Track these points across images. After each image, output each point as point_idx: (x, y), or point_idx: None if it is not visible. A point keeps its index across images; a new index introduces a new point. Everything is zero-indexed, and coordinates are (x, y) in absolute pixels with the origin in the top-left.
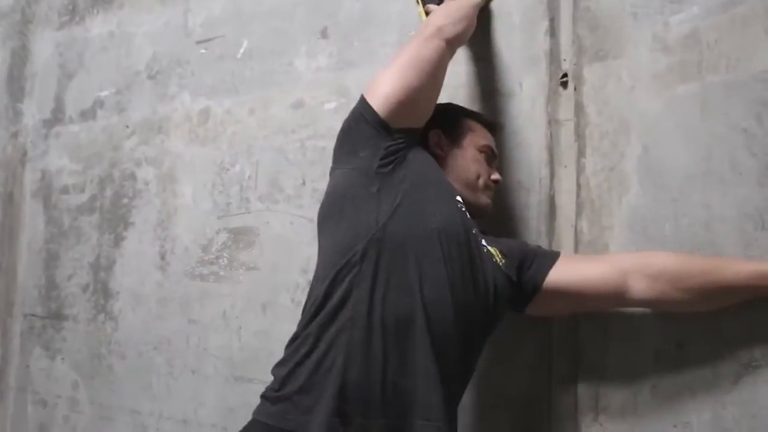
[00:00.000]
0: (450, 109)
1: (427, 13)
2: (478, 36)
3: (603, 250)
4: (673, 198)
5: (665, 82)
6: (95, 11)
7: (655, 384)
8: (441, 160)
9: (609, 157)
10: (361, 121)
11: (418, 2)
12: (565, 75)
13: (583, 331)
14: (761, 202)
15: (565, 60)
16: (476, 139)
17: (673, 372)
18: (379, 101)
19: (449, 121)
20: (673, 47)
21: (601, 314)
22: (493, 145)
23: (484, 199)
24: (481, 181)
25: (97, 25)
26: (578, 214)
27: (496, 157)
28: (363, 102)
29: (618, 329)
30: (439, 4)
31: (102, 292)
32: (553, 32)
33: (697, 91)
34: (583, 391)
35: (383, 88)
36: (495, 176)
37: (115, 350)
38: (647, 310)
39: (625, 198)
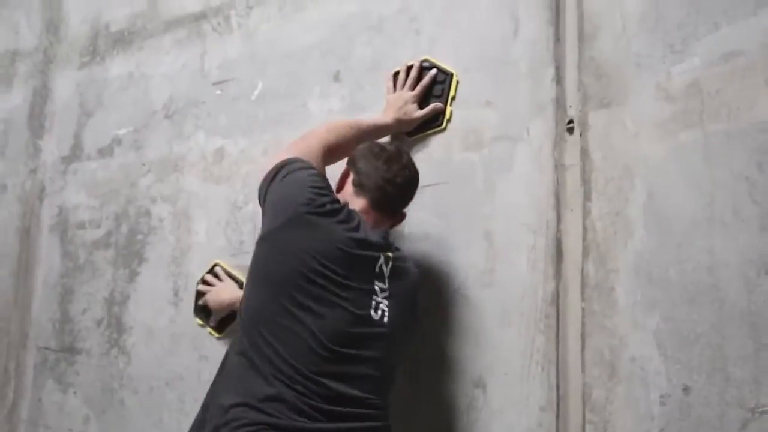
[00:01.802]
0: None
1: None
2: (487, 82)
3: (609, 293)
4: (677, 243)
5: (668, 129)
6: (115, 52)
7: (662, 428)
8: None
9: (614, 202)
10: None
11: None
12: (571, 121)
13: (590, 373)
14: (764, 248)
15: (570, 107)
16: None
17: (679, 416)
18: None
19: None
20: (676, 96)
21: (608, 357)
22: None
23: None
24: None
25: (117, 66)
26: (585, 256)
27: None
28: None
29: (625, 372)
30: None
31: (115, 326)
32: (559, 80)
33: (700, 139)
34: (591, 428)
35: None
36: None
37: (127, 385)
38: (654, 353)
39: (630, 242)
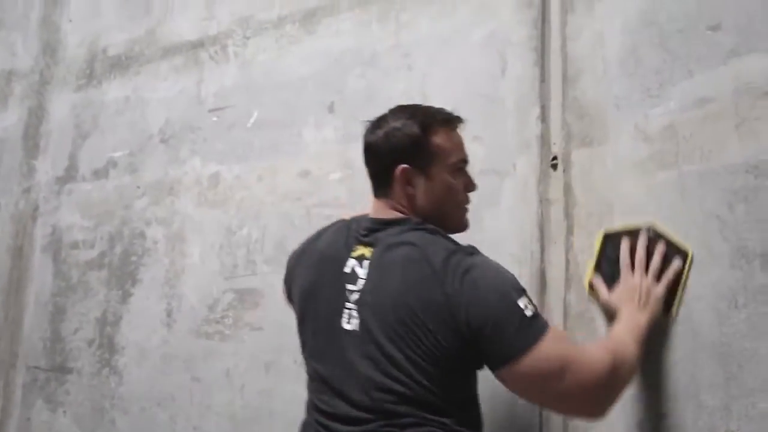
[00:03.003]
0: (413, 134)
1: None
2: (475, 118)
3: (590, 322)
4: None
5: (646, 169)
6: (112, 76)
7: None
8: (412, 198)
9: (595, 236)
10: None
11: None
12: (555, 158)
13: None
14: (733, 283)
15: (554, 144)
16: (446, 158)
17: None
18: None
19: (416, 151)
20: (653, 137)
21: None
22: (462, 150)
23: (465, 218)
24: (460, 206)
25: (114, 90)
26: (567, 287)
27: (467, 161)
28: None
29: None
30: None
31: (107, 346)
32: (544, 118)
33: (675, 179)
34: None
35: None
36: (470, 187)
37: (118, 405)
38: (632, 380)
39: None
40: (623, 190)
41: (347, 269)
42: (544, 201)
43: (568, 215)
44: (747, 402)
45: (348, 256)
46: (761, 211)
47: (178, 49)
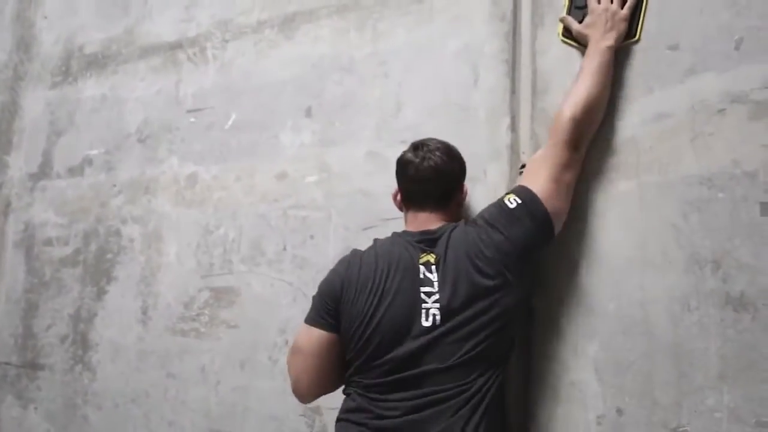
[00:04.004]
0: (463, 161)
1: (565, 29)
2: (449, 126)
3: (554, 324)
4: (615, 280)
5: (608, 178)
6: (89, 74)
7: None
8: (457, 212)
9: (560, 241)
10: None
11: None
12: (523, 166)
13: (534, 394)
14: (687, 287)
15: (524, 153)
16: None
17: None
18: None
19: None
20: (616, 149)
21: (551, 380)
22: None
23: None
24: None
25: (90, 88)
26: (533, 291)
27: None
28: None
29: (565, 394)
30: (581, 20)
31: (81, 343)
32: (514, 128)
33: (635, 189)
34: None
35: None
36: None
37: (91, 401)
38: (593, 378)
39: (573, 278)
40: (587, 198)
41: (421, 275)
42: None
43: None
44: (697, 399)
45: (418, 264)
46: (713, 221)
47: (157, 50)
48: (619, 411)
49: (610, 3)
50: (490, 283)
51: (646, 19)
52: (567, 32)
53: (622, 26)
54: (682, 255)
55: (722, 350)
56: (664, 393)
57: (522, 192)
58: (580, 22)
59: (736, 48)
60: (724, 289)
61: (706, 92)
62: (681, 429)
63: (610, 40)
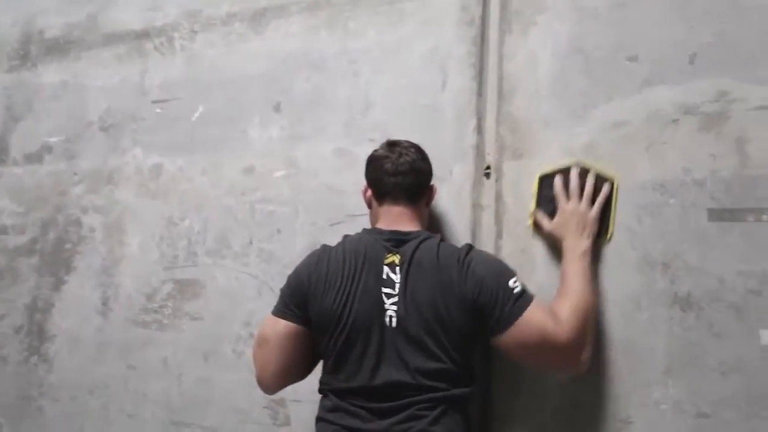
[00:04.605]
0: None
1: (536, 223)
2: (416, 126)
3: None
4: None
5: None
6: (49, 59)
7: None
8: (425, 212)
9: (521, 241)
10: None
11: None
12: (488, 167)
13: (496, 389)
14: (638, 287)
15: (488, 154)
16: None
17: (568, 427)
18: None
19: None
20: (576, 154)
21: (512, 376)
22: None
23: None
24: None
25: (50, 73)
26: None
27: None
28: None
29: (526, 389)
30: (552, 216)
31: (37, 334)
32: (479, 130)
33: None
34: None
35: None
36: None
37: (47, 393)
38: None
39: (533, 276)
40: None
41: (384, 276)
42: (476, 206)
43: (498, 221)
44: (644, 392)
45: (382, 264)
46: (664, 225)
47: (122, 38)
48: (575, 405)
49: (578, 204)
50: (449, 309)
51: (616, 217)
52: (537, 225)
53: (595, 227)
54: (635, 256)
55: (669, 347)
56: (615, 387)
57: (528, 293)
58: (551, 214)
59: (690, 62)
60: (672, 289)
61: (661, 103)
62: (629, 420)
63: (585, 244)
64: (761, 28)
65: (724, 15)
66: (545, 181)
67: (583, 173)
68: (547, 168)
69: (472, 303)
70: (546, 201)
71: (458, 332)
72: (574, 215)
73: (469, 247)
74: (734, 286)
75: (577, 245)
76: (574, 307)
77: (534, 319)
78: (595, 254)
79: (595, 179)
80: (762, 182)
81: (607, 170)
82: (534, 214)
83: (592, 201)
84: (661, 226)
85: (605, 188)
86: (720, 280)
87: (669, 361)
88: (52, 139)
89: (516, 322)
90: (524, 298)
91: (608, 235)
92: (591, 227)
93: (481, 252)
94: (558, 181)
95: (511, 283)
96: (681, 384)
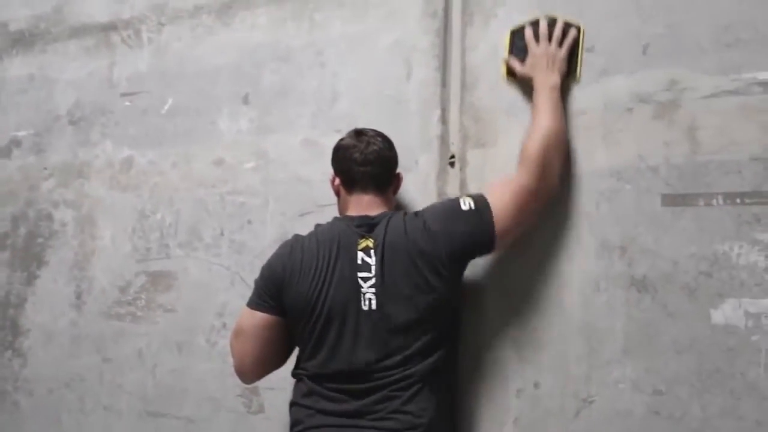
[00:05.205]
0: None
1: (509, 70)
2: (382, 117)
3: (479, 305)
4: (537, 262)
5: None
6: (14, 52)
7: (517, 417)
8: (392, 197)
9: None
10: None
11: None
12: (452, 157)
13: (462, 369)
14: (597, 271)
15: (453, 144)
16: None
17: (531, 407)
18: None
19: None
20: None
21: (476, 356)
22: None
23: None
24: None
25: (16, 67)
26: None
27: None
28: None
29: (489, 370)
30: (523, 60)
31: (10, 329)
32: (444, 120)
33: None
34: (461, 419)
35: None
36: None
37: (22, 387)
38: (514, 354)
39: (497, 262)
40: None
41: (359, 261)
42: (442, 195)
43: None
44: (604, 372)
45: (356, 249)
46: (621, 210)
47: (89, 31)
48: (536, 385)
49: (548, 45)
50: (426, 277)
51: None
52: (511, 72)
53: (563, 66)
54: (594, 241)
55: (626, 328)
56: (576, 367)
57: (479, 200)
58: (522, 61)
59: (644, 53)
60: (629, 272)
61: (616, 92)
62: (590, 399)
63: (554, 78)
64: (711, 19)
65: (676, 7)
66: (516, 34)
67: (552, 23)
68: (517, 24)
69: (449, 256)
70: (518, 50)
71: (439, 300)
72: (544, 56)
73: (417, 211)
74: (687, 269)
75: (547, 80)
76: (537, 143)
77: (500, 204)
78: (554, 239)
79: (564, 26)
80: (712, 168)
81: (575, 19)
82: (507, 60)
83: (560, 44)
84: (617, 212)
85: (572, 32)
86: (674, 263)
87: (626, 342)
88: (21, 133)
89: (495, 227)
90: (480, 204)
91: (577, 75)
92: (560, 65)
93: (428, 207)
94: (529, 31)
95: (463, 208)
96: (638, 363)
